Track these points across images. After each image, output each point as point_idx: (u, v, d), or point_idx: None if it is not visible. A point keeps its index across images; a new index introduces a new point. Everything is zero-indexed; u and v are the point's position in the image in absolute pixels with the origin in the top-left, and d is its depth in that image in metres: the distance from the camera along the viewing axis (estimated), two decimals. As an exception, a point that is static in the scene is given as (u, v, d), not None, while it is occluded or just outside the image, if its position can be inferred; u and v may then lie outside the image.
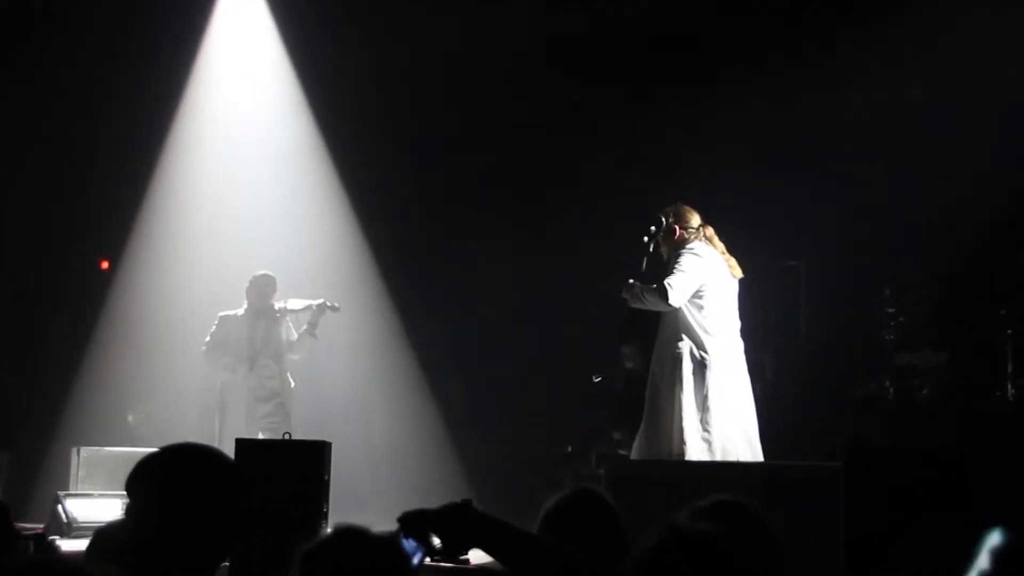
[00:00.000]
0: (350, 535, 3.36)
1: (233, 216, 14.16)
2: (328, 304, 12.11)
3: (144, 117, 14.08)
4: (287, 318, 12.15)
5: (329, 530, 8.44)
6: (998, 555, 2.59)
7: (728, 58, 12.95)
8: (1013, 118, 11.48)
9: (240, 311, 12.17)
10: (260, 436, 11.44)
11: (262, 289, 12.13)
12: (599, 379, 11.48)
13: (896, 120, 12.30)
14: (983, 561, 3.29)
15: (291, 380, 12.20)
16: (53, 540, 4.02)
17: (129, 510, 3.92)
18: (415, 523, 3.88)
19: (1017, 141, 11.42)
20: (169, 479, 3.81)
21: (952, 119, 11.86)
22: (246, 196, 14.25)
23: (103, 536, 4.45)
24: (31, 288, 13.67)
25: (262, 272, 12.26)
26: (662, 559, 3.10)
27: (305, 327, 12.12)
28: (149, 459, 3.92)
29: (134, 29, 13.64)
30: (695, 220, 9.59)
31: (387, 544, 3.41)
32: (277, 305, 12.12)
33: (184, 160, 14.36)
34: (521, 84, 13.96)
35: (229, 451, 9.64)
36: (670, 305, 9.13)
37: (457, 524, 3.90)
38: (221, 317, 12.18)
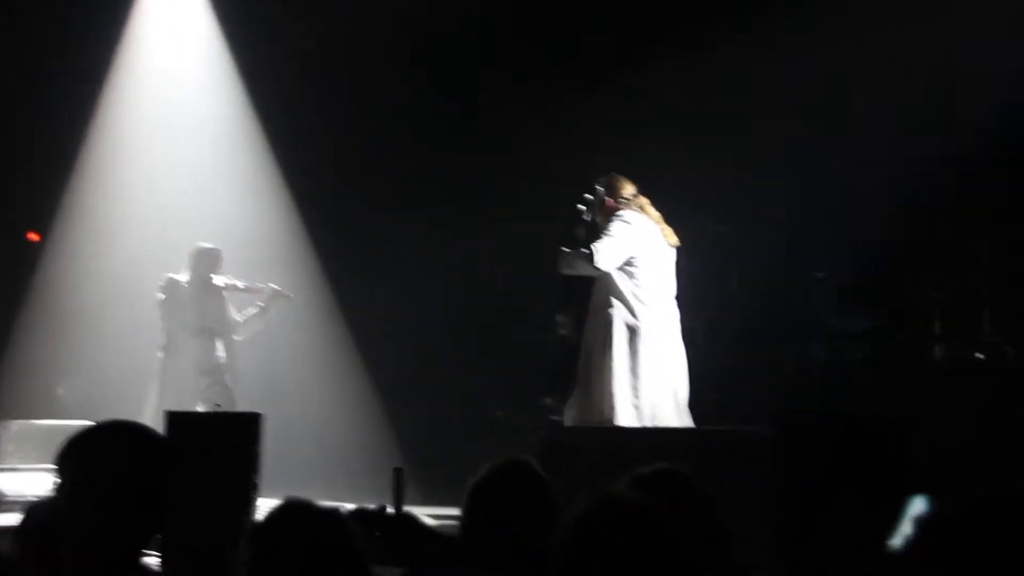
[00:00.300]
0: (298, 508, 3.37)
1: (163, 189, 14.08)
2: (282, 292, 12.02)
3: (74, 87, 13.97)
4: (228, 293, 12.04)
5: (268, 502, 8.46)
6: (920, 523, 2.60)
7: (661, 24, 12.95)
8: (944, 84, 11.56)
9: (183, 278, 12.04)
10: (200, 408, 11.40)
11: (208, 262, 12.01)
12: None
13: (828, 86, 12.33)
14: (907, 528, 3.33)
15: (234, 363, 12.15)
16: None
17: (59, 487, 3.91)
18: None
19: (947, 105, 11.49)
20: (99, 456, 3.80)
21: (883, 84, 11.93)
22: (176, 169, 14.17)
23: (34, 513, 4.43)
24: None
25: (207, 245, 12.14)
26: (593, 526, 3.10)
27: (255, 310, 12.03)
28: (78, 436, 3.90)
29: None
30: (628, 189, 9.60)
31: (334, 516, 3.42)
32: (222, 281, 12.01)
33: (114, 131, 14.27)
34: (453, 51, 13.92)
35: (154, 416, 9.68)
36: (597, 269, 9.18)
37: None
38: (169, 279, 12.03)
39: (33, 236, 14.34)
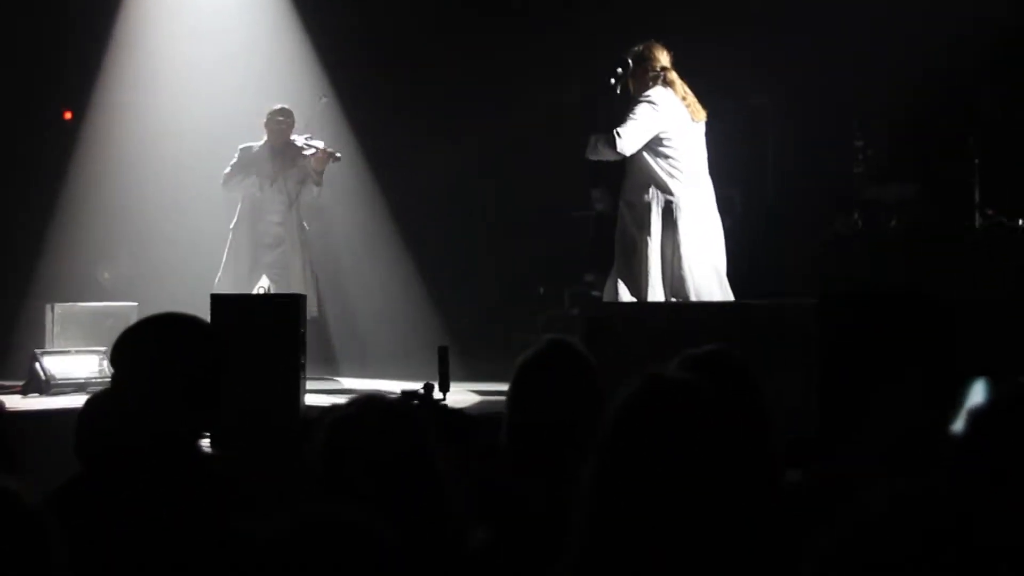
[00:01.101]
0: (374, 404, 3.41)
1: (197, 69, 14.02)
2: (332, 151, 11.96)
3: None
4: (300, 159, 11.97)
5: (316, 383, 8.53)
6: (978, 412, 2.61)
7: None
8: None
9: (258, 144, 12.00)
10: (264, 283, 11.43)
11: (278, 125, 11.94)
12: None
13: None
14: (974, 402, 3.32)
15: (304, 224, 12.18)
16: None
17: (114, 380, 3.98)
18: None
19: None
20: (150, 349, 3.85)
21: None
22: (209, 47, 14.10)
23: (92, 405, 4.48)
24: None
25: (279, 106, 12.04)
26: (643, 404, 3.12)
27: (313, 171, 11.98)
28: (130, 330, 3.96)
29: None
30: (663, 59, 9.51)
31: (410, 414, 3.45)
32: (299, 140, 11.99)
33: (148, 12, 14.19)
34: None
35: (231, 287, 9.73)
36: (619, 154, 9.14)
37: None
38: (242, 149, 11.95)
39: (67, 114, 14.31)
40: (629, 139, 9.10)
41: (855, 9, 12.04)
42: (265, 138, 11.96)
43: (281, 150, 11.89)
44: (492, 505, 3.98)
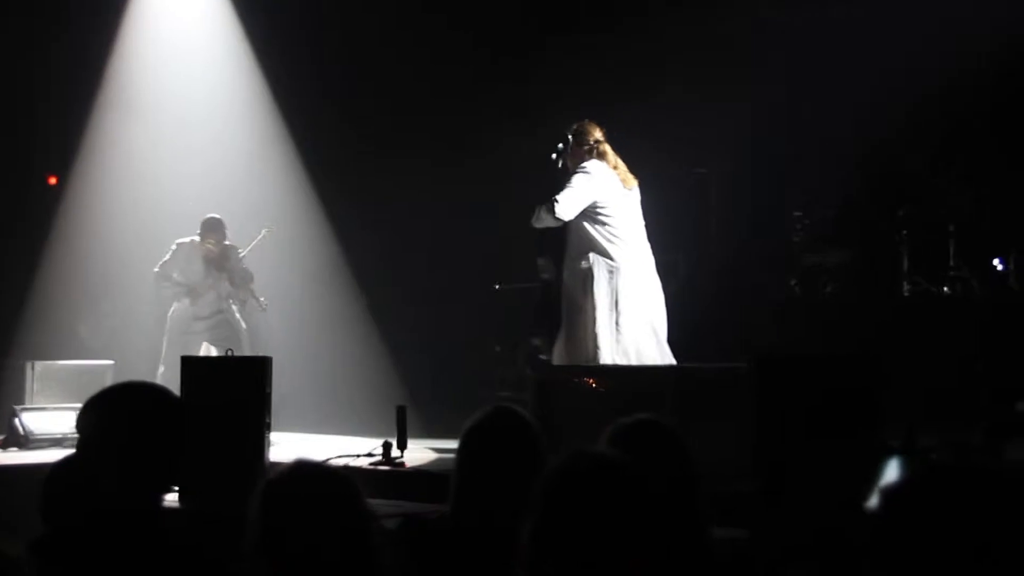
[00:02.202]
0: (309, 469, 3.42)
1: (176, 131, 14.09)
2: (260, 300, 12.10)
3: (91, 40, 13.94)
4: (228, 273, 12.07)
5: (279, 436, 8.51)
6: (890, 493, 2.65)
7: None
8: (914, 26, 11.52)
9: (195, 239, 12.05)
10: (206, 348, 11.46)
11: (208, 239, 12.01)
12: (499, 287, 11.64)
13: (801, 32, 12.29)
14: (886, 482, 3.37)
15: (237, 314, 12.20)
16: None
17: (79, 444, 3.99)
18: None
19: (918, 48, 11.44)
20: (114, 415, 3.87)
21: (856, 31, 11.91)
22: (187, 111, 14.17)
23: (59, 469, 4.47)
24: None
25: (212, 217, 12.09)
26: (565, 480, 3.20)
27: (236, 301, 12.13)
28: (95, 397, 3.98)
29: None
30: (596, 134, 9.58)
31: (343, 478, 3.47)
32: (234, 249, 12.10)
33: (129, 76, 14.24)
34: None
35: (175, 371, 9.74)
36: (559, 220, 9.20)
37: None
38: (177, 244, 12.05)
39: (52, 179, 14.34)
40: (566, 205, 9.17)
41: (793, 83, 12.14)
42: (198, 240, 12.03)
43: (214, 262, 12.04)
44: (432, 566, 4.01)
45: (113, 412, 3.90)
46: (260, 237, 12.32)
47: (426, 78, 13.92)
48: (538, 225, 9.40)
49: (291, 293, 13.61)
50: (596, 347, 9.08)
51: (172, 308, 12.00)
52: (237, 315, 12.10)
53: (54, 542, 3.78)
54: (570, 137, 9.53)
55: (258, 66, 14.38)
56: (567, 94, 12.51)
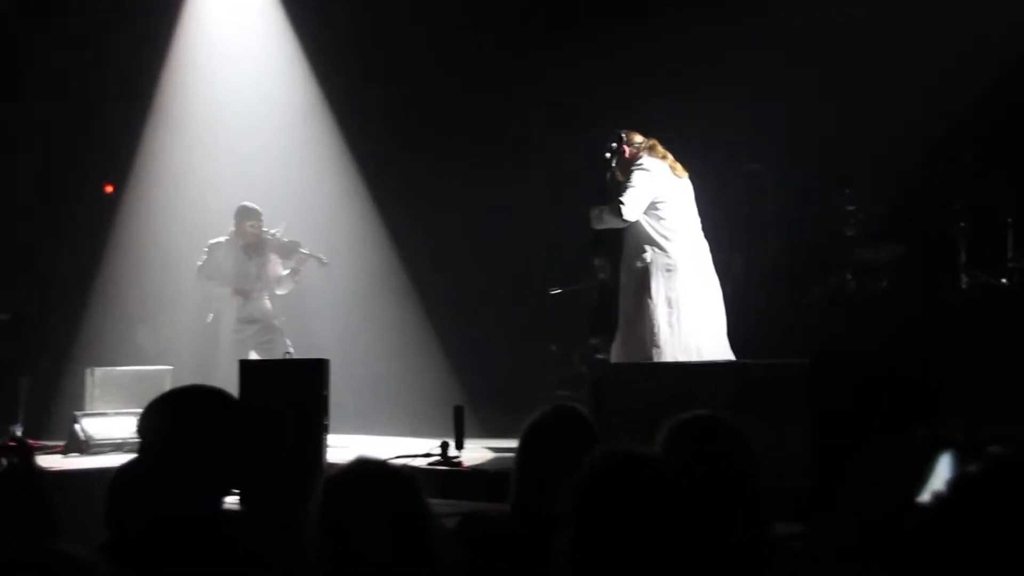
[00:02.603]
0: (371, 466, 3.42)
1: (229, 141, 14.15)
2: (317, 256, 12.00)
3: (144, 49, 14.04)
4: (273, 253, 12.02)
5: (337, 439, 8.52)
6: (954, 485, 2.62)
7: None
8: (966, 20, 11.43)
9: (225, 239, 12.07)
10: (253, 355, 11.47)
11: (252, 228, 11.95)
12: (557, 292, 11.59)
13: (851, 24, 12.21)
14: (937, 483, 3.34)
15: (280, 311, 12.17)
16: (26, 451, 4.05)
17: (141, 448, 4.00)
18: None
19: (971, 42, 11.36)
20: (176, 421, 3.88)
21: (908, 19, 11.81)
22: (240, 119, 14.25)
23: (123, 472, 4.47)
24: (43, 216, 13.63)
25: (247, 205, 12.08)
26: (595, 480, 3.18)
27: (288, 271, 12.04)
28: (157, 401, 3.98)
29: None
30: (638, 137, 9.61)
31: (405, 476, 3.46)
32: (269, 232, 12.03)
33: (183, 85, 14.35)
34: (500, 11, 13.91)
35: (226, 371, 9.77)
36: (626, 221, 9.19)
37: None
38: (211, 245, 12.04)
39: (109, 188, 14.43)
40: (632, 206, 9.15)
41: (845, 77, 12.06)
42: (232, 233, 12.03)
43: (254, 247, 11.96)
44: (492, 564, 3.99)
45: (174, 416, 3.91)
46: (280, 230, 12.24)
47: (475, 81, 13.94)
48: (600, 227, 9.39)
49: (346, 296, 13.63)
50: (656, 345, 9.05)
51: (210, 316, 12.00)
52: (281, 321, 12.07)
53: (120, 546, 3.79)
54: (622, 136, 9.51)
55: (310, 72, 14.43)
56: (616, 93, 12.51)
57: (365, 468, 3.43)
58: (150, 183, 14.27)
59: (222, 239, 12.02)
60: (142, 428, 3.94)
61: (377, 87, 14.03)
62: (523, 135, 13.47)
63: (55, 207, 13.67)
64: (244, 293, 11.89)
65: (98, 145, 13.96)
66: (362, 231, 13.83)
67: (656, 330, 9.08)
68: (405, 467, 3.62)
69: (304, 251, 11.93)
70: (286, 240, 11.99)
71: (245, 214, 11.97)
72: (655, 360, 9.00)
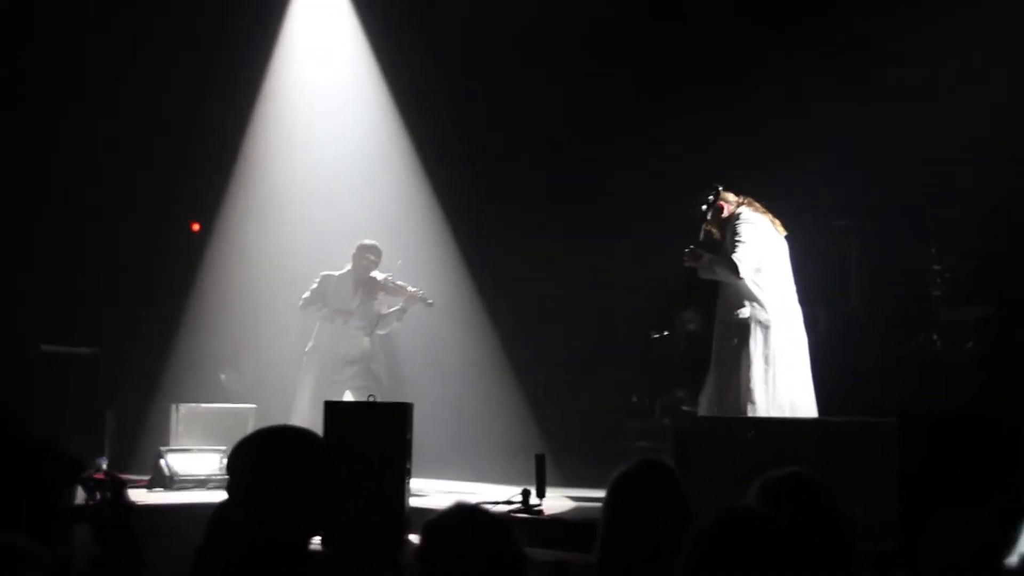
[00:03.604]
0: (469, 512, 3.41)
1: (318, 184, 14.25)
2: (423, 296, 11.94)
3: (232, 88, 14.19)
4: (381, 293, 11.97)
5: (418, 483, 8.50)
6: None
7: (772, 31, 12.85)
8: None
9: (339, 273, 12.00)
10: (348, 396, 11.45)
11: (368, 262, 11.90)
12: (658, 335, 11.52)
13: (943, 84, 12.12)
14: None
15: (379, 350, 12.13)
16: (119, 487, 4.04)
17: (229, 488, 4.01)
18: None
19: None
20: (263, 460, 3.89)
21: (999, 81, 11.72)
22: (329, 164, 14.33)
23: (218, 513, 4.46)
24: (131, 252, 13.75)
25: (369, 242, 12.00)
26: (716, 538, 3.15)
27: (395, 309, 11.98)
28: (245, 442, 4.01)
29: (222, 6, 13.72)
30: (732, 195, 9.58)
31: (503, 523, 3.44)
32: (380, 276, 12.00)
33: (271, 126, 14.46)
34: (588, 56, 13.88)
35: (311, 406, 9.78)
36: (740, 277, 9.15)
37: None
38: (323, 276, 11.96)
39: (195, 226, 14.55)
40: (747, 262, 9.15)
41: (935, 136, 11.96)
42: (348, 268, 11.97)
43: (364, 283, 11.91)
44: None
45: (262, 456, 3.92)
46: (396, 269, 12.18)
47: (563, 127, 13.94)
48: (708, 277, 9.36)
49: (428, 339, 13.62)
50: (751, 401, 8.99)
51: (309, 346, 11.97)
52: (383, 361, 12.04)
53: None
54: (718, 190, 9.48)
55: (397, 115, 14.49)
56: (704, 149, 12.47)
57: (463, 513, 3.42)
58: (237, 222, 14.37)
59: (335, 272, 11.98)
60: (231, 466, 3.96)
61: (466, 135, 14.06)
62: (610, 184, 13.43)
63: (143, 243, 13.77)
64: (346, 313, 11.82)
65: (186, 182, 14.08)
66: (446, 277, 13.84)
67: (752, 386, 9.02)
68: (503, 515, 3.61)
69: (412, 290, 11.89)
70: (398, 283, 11.94)
71: (365, 249, 11.94)
72: (749, 415, 8.93)
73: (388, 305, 11.97)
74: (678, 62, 13.49)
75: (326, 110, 14.55)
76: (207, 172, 14.24)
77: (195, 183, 14.21)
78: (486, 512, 3.49)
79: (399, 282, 11.91)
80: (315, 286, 11.91)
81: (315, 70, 14.65)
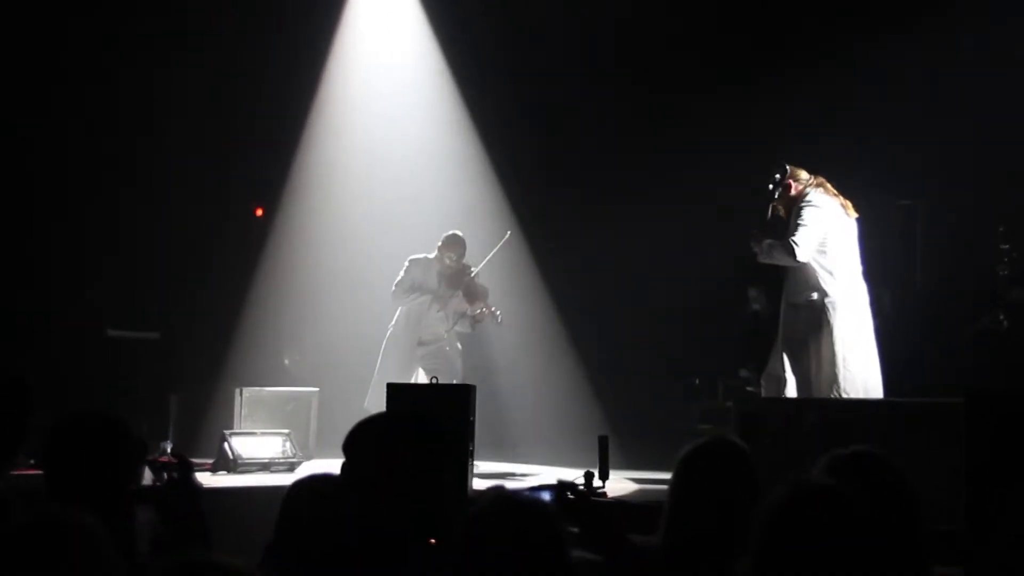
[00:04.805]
0: (507, 502, 3.39)
1: (381, 169, 14.27)
2: (496, 312, 11.84)
3: (296, 75, 14.22)
4: (463, 288, 11.86)
5: (483, 465, 8.52)
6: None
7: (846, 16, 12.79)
8: None
9: (429, 256, 11.83)
10: (420, 376, 11.43)
11: (448, 253, 11.86)
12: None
13: (1004, 61, 12.03)
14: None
15: (457, 344, 12.07)
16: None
17: (344, 468, 4.05)
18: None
19: None
20: (388, 443, 3.94)
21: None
22: (393, 148, 14.34)
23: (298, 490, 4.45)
24: (194, 236, 13.82)
25: (456, 234, 11.83)
26: (789, 512, 3.13)
27: (468, 317, 11.87)
28: (365, 423, 4.06)
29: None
30: (804, 173, 9.49)
31: (542, 509, 3.42)
32: (469, 268, 11.85)
33: (335, 112, 14.48)
34: (652, 43, 13.87)
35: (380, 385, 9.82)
36: (798, 262, 9.07)
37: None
38: (411, 261, 11.80)
39: (259, 211, 14.61)
40: (805, 246, 9.06)
41: (1006, 114, 11.86)
42: (435, 255, 11.91)
43: (450, 276, 11.83)
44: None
45: (367, 442, 3.98)
46: (504, 240, 12.16)
47: (628, 120, 13.93)
48: (767, 261, 9.30)
49: (494, 325, 13.65)
50: (827, 382, 8.93)
51: (389, 331, 11.92)
52: (458, 346, 11.98)
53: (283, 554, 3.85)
54: (786, 169, 9.41)
55: (464, 109, 14.46)
56: (769, 128, 12.43)
57: (506, 502, 3.40)
58: (300, 207, 14.42)
59: (422, 256, 11.88)
60: (347, 445, 4.01)
61: (531, 130, 14.02)
62: (673, 164, 13.37)
63: (207, 227, 13.84)
64: (442, 300, 11.75)
65: (250, 167, 14.14)
66: (512, 260, 13.81)
67: (827, 367, 8.96)
68: (543, 503, 3.58)
69: (489, 309, 11.75)
70: (480, 284, 11.86)
71: (450, 243, 11.79)
72: (817, 396, 8.88)
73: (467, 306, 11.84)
74: (744, 44, 13.43)
75: (390, 102, 14.52)
76: (270, 157, 14.28)
77: (259, 168, 14.25)
78: (529, 499, 3.47)
79: (480, 284, 11.81)
80: (402, 274, 11.76)
81: (379, 64, 14.63)
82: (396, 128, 14.39)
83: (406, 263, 11.76)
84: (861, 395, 8.86)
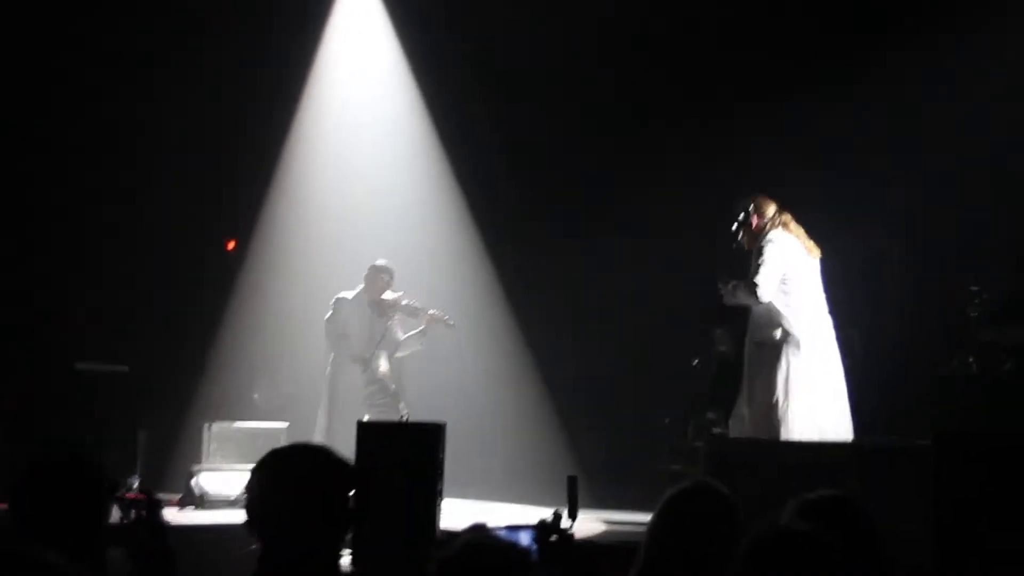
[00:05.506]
0: (482, 542, 3.36)
1: (353, 201, 14.28)
2: (443, 317, 11.96)
3: (269, 109, 14.22)
4: (398, 314, 11.99)
5: (450, 503, 8.52)
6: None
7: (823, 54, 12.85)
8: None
9: (352, 294, 12.07)
10: (366, 418, 11.49)
11: (382, 282, 12.00)
12: (697, 362, 11.50)
13: (980, 107, 12.11)
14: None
15: (398, 374, 12.12)
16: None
17: (247, 500, 4.01)
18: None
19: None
20: (283, 475, 3.88)
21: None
22: (365, 182, 14.37)
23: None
24: (163, 270, 13.78)
25: (381, 262, 12.09)
26: (766, 557, 3.15)
27: (416, 332, 12.01)
28: (266, 458, 4.00)
29: (260, 26, 13.77)
30: (771, 208, 9.56)
31: (517, 551, 3.41)
32: (391, 296, 12.02)
33: (306, 147, 14.52)
34: (628, 62, 13.91)
35: (338, 431, 9.79)
36: (760, 301, 9.16)
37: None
38: (337, 300, 12.05)
39: (230, 244, 14.58)
40: (767, 285, 9.15)
41: (973, 157, 11.95)
42: (361, 288, 12.00)
43: (378, 305, 11.93)
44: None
45: (281, 474, 3.91)
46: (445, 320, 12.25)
47: (598, 151, 13.95)
48: (732, 303, 9.37)
49: (460, 360, 13.63)
50: (781, 421, 8.98)
51: (328, 371, 12.00)
52: (400, 387, 12.04)
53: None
54: (750, 208, 9.48)
55: (435, 136, 14.50)
56: (738, 163, 12.48)
57: (478, 549, 3.38)
58: (271, 241, 14.41)
59: (348, 294, 12.03)
60: (250, 485, 3.95)
61: (502, 157, 14.05)
62: (641, 200, 13.38)
63: (177, 261, 13.81)
64: (364, 361, 11.87)
65: (222, 199, 14.11)
66: (478, 294, 13.84)
67: (781, 406, 9.01)
68: (520, 548, 3.56)
69: (433, 312, 11.90)
70: (415, 304, 11.95)
71: (378, 271, 11.97)
72: (781, 436, 8.92)
73: (406, 327, 11.97)
74: (717, 70, 13.48)
75: (362, 132, 14.56)
76: (244, 191, 14.26)
77: (231, 202, 14.22)
78: (502, 540, 3.45)
79: (415, 303, 11.93)
80: (331, 314, 11.97)
81: (353, 93, 14.67)
82: (370, 160, 14.42)
83: (331, 302, 11.91)
84: (814, 436, 8.90)
